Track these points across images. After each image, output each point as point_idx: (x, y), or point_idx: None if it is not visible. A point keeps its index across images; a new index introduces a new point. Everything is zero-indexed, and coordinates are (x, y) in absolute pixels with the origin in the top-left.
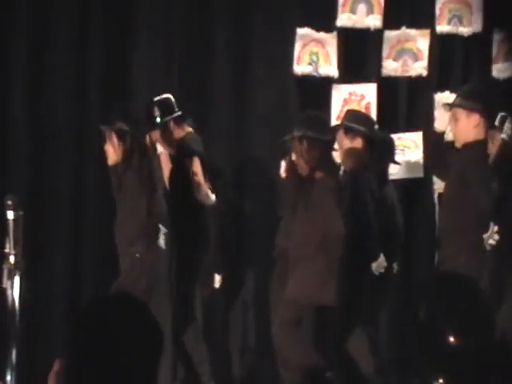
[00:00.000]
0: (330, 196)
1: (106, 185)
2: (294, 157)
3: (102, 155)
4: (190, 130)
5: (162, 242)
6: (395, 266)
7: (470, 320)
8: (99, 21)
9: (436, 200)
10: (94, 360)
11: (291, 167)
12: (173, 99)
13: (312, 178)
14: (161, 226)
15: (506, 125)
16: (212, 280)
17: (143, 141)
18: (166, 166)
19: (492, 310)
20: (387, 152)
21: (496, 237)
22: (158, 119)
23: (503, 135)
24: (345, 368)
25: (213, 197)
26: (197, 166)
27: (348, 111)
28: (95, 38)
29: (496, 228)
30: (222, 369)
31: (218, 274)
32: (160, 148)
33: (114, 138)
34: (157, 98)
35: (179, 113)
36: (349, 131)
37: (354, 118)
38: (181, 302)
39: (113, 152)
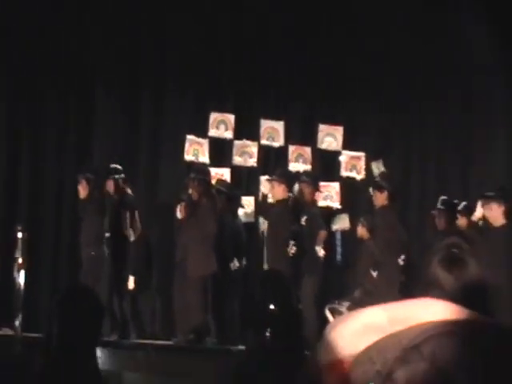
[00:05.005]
0: (209, 212)
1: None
2: (190, 191)
3: (76, 192)
4: (129, 190)
5: (105, 247)
6: (243, 262)
7: (281, 295)
8: (75, 110)
9: (261, 234)
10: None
11: (188, 196)
12: (120, 167)
13: (199, 201)
14: (106, 234)
15: (296, 186)
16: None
17: (102, 186)
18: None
19: (292, 289)
20: (237, 201)
21: (294, 249)
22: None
23: (294, 194)
24: (219, 317)
25: (132, 234)
26: (127, 215)
27: (218, 180)
28: (73, 127)
29: (292, 243)
30: (141, 325)
31: (133, 276)
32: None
33: (84, 182)
34: (112, 165)
35: (123, 176)
36: (218, 190)
37: (222, 184)
38: (116, 285)
39: (83, 190)
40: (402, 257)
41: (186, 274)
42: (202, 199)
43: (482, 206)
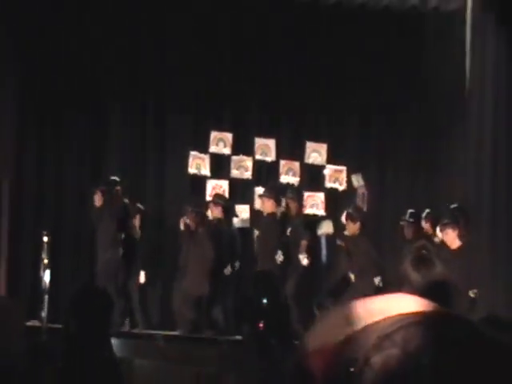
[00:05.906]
0: (206, 239)
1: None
2: (187, 221)
3: (93, 202)
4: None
5: (120, 249)
6: (237, 265)
7: (271, 292)
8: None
9: (255, 239)
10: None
11: (186, 226)
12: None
13: (197, 230)
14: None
15: (283, 200)
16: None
17: (115, 196)
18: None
19: (281, 288)
20: (232, 212)
21: (281, 257)
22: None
23: (281, 209)
24: (212, 320)
25: (138, 233)
26: (136, 218)
27: (216, 194)
28: (89, 144)
29: (280, 252)
30: (148, 317)
31: (143, 270)
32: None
33: (99, 193)
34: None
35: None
36: (215, 203)
37: (219, 197)
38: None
39: (98, 200)
40: (379, 278)
41: (185, 281)
42: (199, 229)
43: (440, 231)
